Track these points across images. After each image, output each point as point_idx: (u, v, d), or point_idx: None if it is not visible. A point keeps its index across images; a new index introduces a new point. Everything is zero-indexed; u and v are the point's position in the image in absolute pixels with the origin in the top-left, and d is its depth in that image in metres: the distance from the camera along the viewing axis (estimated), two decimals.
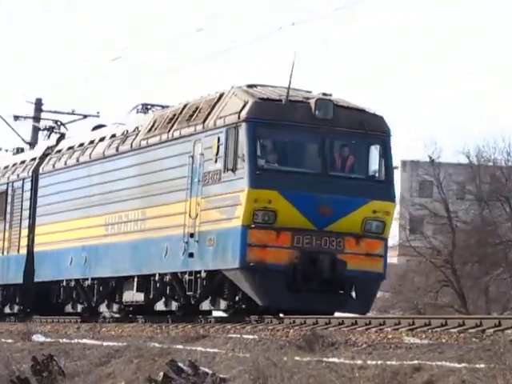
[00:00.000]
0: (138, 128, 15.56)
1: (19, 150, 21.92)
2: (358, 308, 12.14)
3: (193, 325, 13.55)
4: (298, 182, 12.15)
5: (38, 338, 16.04)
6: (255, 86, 12.82)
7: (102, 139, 16.95)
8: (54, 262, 17.52)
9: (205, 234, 12.63)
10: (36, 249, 18.38)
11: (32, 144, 21.96)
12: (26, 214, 18.33)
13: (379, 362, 7.21)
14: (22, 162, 19.85)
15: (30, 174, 18.59)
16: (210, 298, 13.16)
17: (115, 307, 16.31)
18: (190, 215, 12.81)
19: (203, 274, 12.66)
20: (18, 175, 19.34)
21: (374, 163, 12.60)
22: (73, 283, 17.03)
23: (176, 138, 13.76)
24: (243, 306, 12.68)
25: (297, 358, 8.49)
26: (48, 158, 19.01)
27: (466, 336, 8.79)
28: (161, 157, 14.24)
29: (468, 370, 6.18)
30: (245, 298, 12.45)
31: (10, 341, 16.61)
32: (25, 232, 18.06)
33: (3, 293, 19.22)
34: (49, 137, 21.35)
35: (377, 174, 12.69)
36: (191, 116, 13.56)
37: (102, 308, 16.63)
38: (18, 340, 16.39)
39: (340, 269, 11.81)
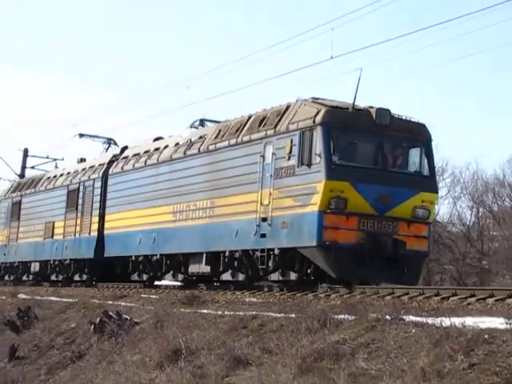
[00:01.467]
0: (203, 136, 17.61)
1: (82, 160, 25.25)
2: (410, 281, 13.59)
3: (118, 288, 19.82)
4: (364, 175, 13.71)
5: (22, 296, 21.89)
6: (319, 98, 14.57)
7: (165, 147, 19.22)
8: (122, 242, 19.99)
9: (278, 219, 14.10)
10: (105, 232, 20.96)
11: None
12: (96, 205, 21.25)
13: (231, 313, 12.20)
14: (91, 167, 22.64)
15: (101, 175, 21.22)
16: (279, 270, 14.73)
17: (180, 277, 18.44)
18: (261, 203, 14.54)
19: (276, 251, 14.24)
20: (88, 176, 22.04)
21: (420, 162, 14.60)
22: (141, 258, 19.19)
23: (245, 142, 15.46)
24: (312, 278, 14.28)
25: (182, 310, 13.60)
26: (115, 162, 21.59)
27: (285, 297, 13.72)
28: (230, 157, 15.93)
29: (284, 318, 10.82)
30: (316, 271, 13.92)
31: (3, 297, 23.27)
32: (95, 219, 21.06)
33: (74, 265, 22.47)
34: (106, 150, 25.38)
35: (423, 171, 14.60)
36: (260, 123, 15.28)
37: (168, 277, 18.92)
38: (8, 297, 22.89)
39: (400, 248, 13.61)
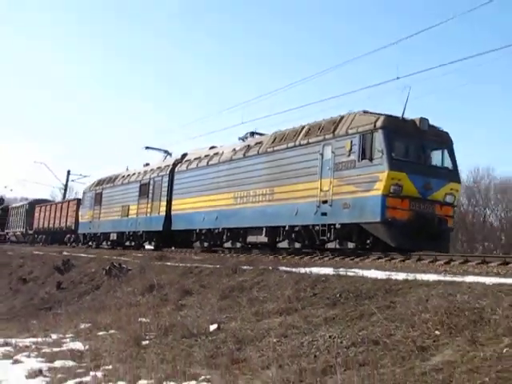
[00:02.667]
0: (260, 142, 22.01)
1: (147, 164, 33.11)
2: (446, 250, 17.36)
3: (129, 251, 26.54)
4: (413, 168, 16.58)
5: (65, 253, 33.18)
6: (368, 111, 17.95)
7: (222, 152, 24.15)
8: (187, 219, 24.99)
9: (339, 201, 17.28)
10: (173, 212, 26.55)
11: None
12: (164, 194, 27.21)
13: (185, 265, 19.74)
14: (158, 168, 28.91)
15: (168, 172, 27.02)
16: (337, 240, 18.10)
17: (238, 244, 22.49)
18: (321, 190, 17.98)
19: (338, 226, 17.34)
20: (157, 174, 28.18)
21: (447, 159, 18.12)
22: (204, 231, 23.97)
23: (304, 144, 19.35)
24: (367, 247, 17.57)
25: (155, 263, 21.95)
26: (179, 164, 26.94)
27: (215, 255, 23.10)
28: (288, 156, 19.96)
29: (213, 267, 18.21)
30: (374, 242, 17.29)
31: (54, 253, 35.58)
32: (163, 203, 27.25)
33: (146, 235, 29.66)
34: (165, 158, 33.99)
35: (449, 166, 17.89)
36: (318, 130, 18.89)
37: (227, 245, 23.21)
38: (57, 254, 35.79)
39: (442, 224, 17.23)
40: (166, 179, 27.32)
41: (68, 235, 41.80)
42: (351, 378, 6.88)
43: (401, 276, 10.88)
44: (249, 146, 22.03)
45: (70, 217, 41.67)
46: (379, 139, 16.48)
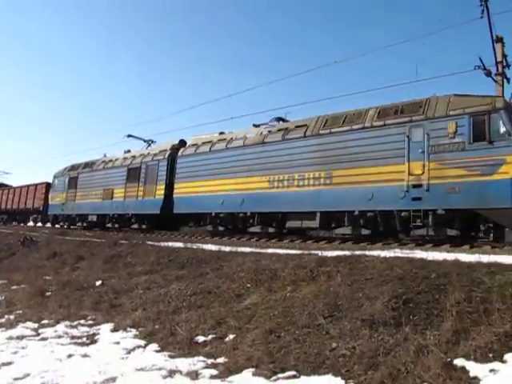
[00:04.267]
0: (304, 126, 16.82)
1: (128, 151, 27.88)
2: None
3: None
4: None
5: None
6: (459, 94, 13.69)
7: (245, 136, 18.96)
8: (197, 202, 19.60)
9: (440, 185, 12.82)
10: (175, 195, 20.92)
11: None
12: (161, 178, 22.25)
13: (80, 239, 20.17)
14: (150, 154, 24.24)
15: (166, 157, 22.51)
16: (432, 227, 13.10)
17: (271, 229, 17.28)
18: (410, 173, 13.33)
19: (440, 211, 12.77)
20: (152, 159, 23.54)
21: None
22: (222, 215, 18.73)
23: (377, 126, 14.53)
24: (480, 235, 13.02)
25: (58, 237, 22.29)
26: (182, 149, 22.00)
27: (102, 233, 22.65)
28: (352, 138, 14.95)
29: (100, 241, 18.28)
30: (494, 229, 12.63)
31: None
32: (160, 187, 22.15)
33: (137, 218, 23.72)
34: (148, 145, 29.18)
35: None
36: (395, 112, 14.37)
37: (254, 229, 17.64)
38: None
39: None
40: (163, 163, 22.90)
41: (34, 215, 37.72)
42: (192, 315, 7.62)
43: (228, 248, 11.39)
44: (287, 128, 17.61)
45: (37, 199, 36.95)
46: (503, 120, 12.54)
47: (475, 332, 5.62)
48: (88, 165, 29.57)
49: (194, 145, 21.64)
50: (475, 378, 4.93)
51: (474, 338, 5.52)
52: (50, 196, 33.22)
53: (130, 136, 30.38)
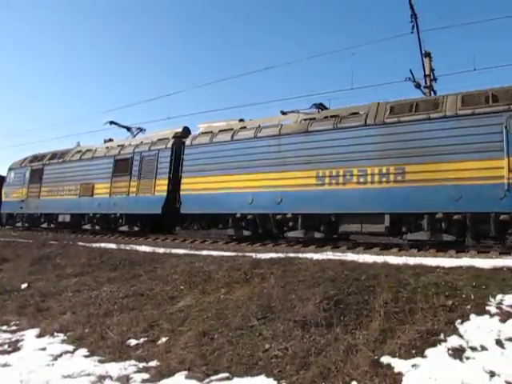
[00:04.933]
0: (358, 113, 14.46)
1: (110, 140, 23.57)
2: None
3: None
4: None
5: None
6: None
7: (279, 124, 16.04)
8: (214, 201, 16.27)
9: None
10: (182, 193, 17.38)
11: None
12: (162, 171, 18.54)
13: (4, 239, 18.31)
14: (145, 143, 20.23)
15: (170, 146, 18.72)
16: None
17: (318, 234, 14.48)
18: (510, 170, 11.38)
19: None
20: (148, 148, 19.56)
21: None
22: (250, 216, 15.56)
23: (463, 116, 12.47)
24: None
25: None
26: (191, 137, 18.38)
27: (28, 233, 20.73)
28: (429, 129, 12.76)
29: (28, 242, 17.08)
30: None
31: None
32: (161, 182, 18.44)
33: (128, 218, 19.74)
34: (134, 136, 23.71)
35: None
36: (489, 99, 12.37)
37: (293, 234, 14.86)
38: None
39: None
40: (165, 154, 18.91)
41: None
42: (124, 318, 7.44)
43: (162, 250, 11.24)
44: (338, 115, 14.91)
45: None
46: None
47: (400, 331, 5.89)
48: (56, 155, 24.59)
49: (206, 132, 18.18)
50: (399, 374, 5.17)
51: (399, 336, 5.78)
52: (3, 191, 27.55)
53: (112, 123, 24.77)
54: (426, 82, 18.78)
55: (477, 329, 5.72)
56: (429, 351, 5.43)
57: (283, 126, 15.94)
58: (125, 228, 19.98)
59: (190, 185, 17.46)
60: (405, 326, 5.95)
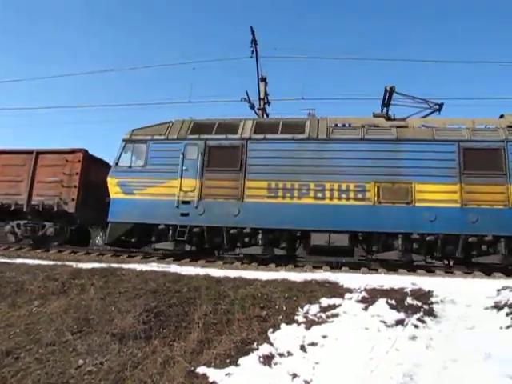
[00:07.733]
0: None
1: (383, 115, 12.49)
2: None
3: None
4: None
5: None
6: None
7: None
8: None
9: None
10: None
11: None
12: None
13: None
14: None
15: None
16: None
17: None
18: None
19: None
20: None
21: None
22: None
23: None
24: None
25: None
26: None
27: None
28: None
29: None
30: None
31: None
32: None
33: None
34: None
35: None
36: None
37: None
38: None
39: None
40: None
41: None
42: None
43: None
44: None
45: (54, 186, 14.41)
46: None
47: (217, 341, 6.11)
48: (279, 126, 13.07)
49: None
50: (213, 383, 5.35)
51: (215, 346, 6.00)
52: (114, 183, 13.09)
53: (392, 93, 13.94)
54: (259, 105, 19.93)
55: (285, 336, 6.22)
56: (242, 360, 5.74)
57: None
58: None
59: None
60: (221, 337, 6.19)
